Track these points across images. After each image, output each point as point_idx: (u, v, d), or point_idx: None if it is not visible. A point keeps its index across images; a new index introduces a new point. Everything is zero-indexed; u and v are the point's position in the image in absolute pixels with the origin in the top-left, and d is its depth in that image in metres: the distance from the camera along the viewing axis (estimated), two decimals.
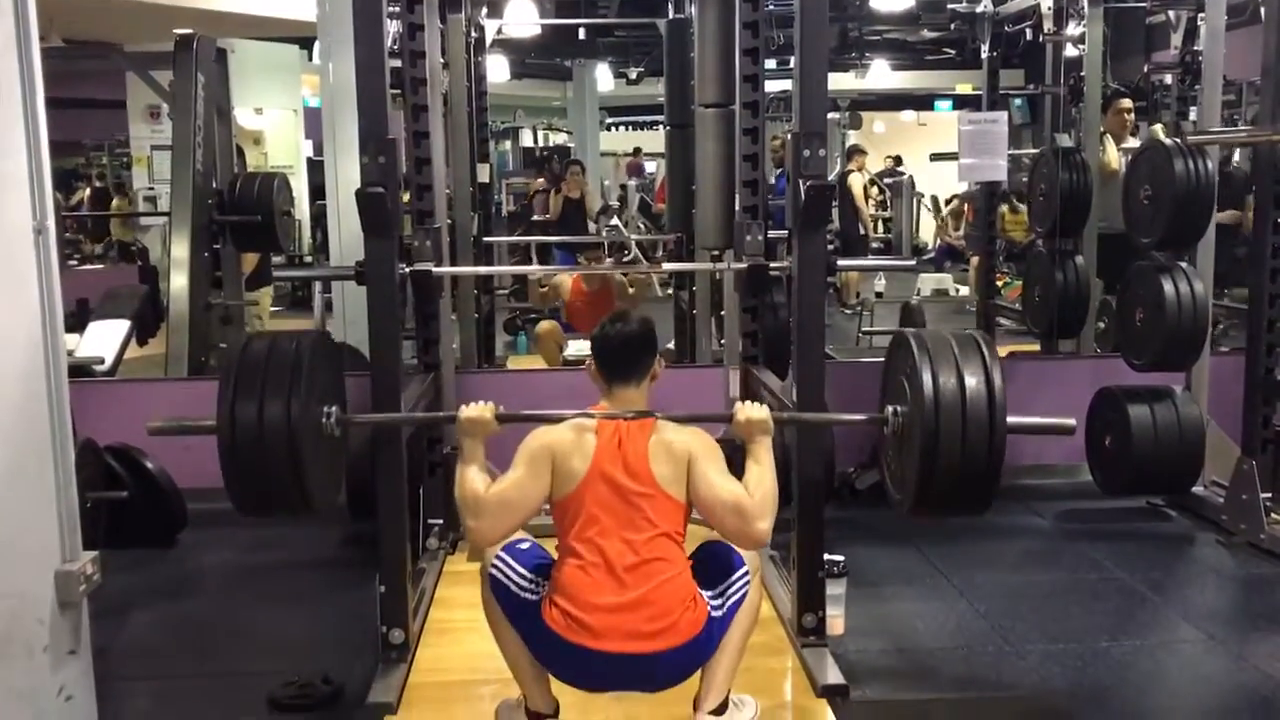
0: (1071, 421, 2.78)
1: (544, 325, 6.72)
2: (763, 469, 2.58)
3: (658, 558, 2.51)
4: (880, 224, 13.55)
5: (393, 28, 4.05)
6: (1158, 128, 6.61)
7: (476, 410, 2.64)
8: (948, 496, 2.69)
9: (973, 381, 2.60)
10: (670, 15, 6.10)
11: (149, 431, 2.83)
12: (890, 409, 2.80)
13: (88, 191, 12.54)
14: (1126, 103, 6.23)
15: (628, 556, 2.50)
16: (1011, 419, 2.63)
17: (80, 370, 4.90)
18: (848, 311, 9.68)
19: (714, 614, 2.57)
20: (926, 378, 2.61)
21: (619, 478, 2.53)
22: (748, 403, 2.72)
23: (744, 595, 2.62)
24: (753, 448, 2.63)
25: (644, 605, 2.48)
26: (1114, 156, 6.13)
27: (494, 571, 2.62)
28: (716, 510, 2.54)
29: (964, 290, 10.01)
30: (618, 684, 2.61)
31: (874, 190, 12.05)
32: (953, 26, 11.39)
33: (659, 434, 2.58)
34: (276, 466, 2.67)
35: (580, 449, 2.55)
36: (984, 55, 6.78)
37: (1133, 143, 6.27)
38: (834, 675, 3.01)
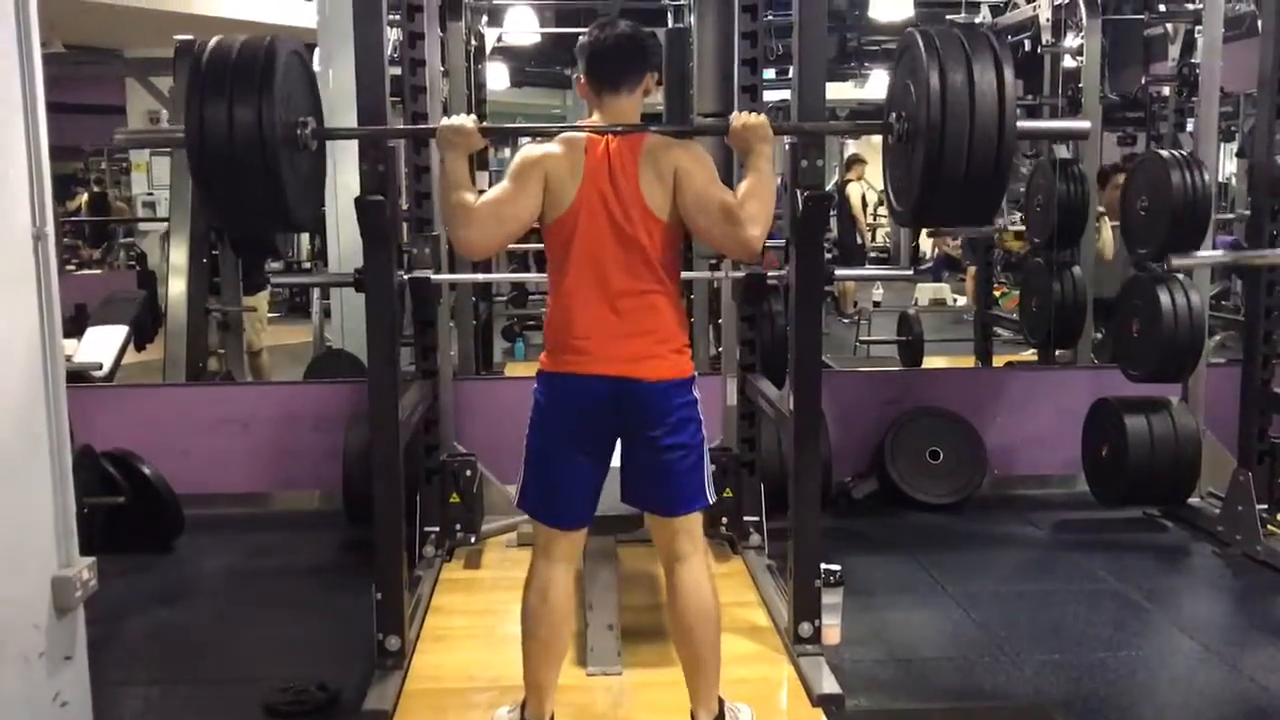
0: (1086, 125, 2.69)
1: None
2: (760, 178, 2.47)
3: (652, 289, 2.48)
4: (876, 233, 13.58)
5: (392, 35, 4.06)
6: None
7: (458, 120, 2.53)
8: (951, 202, 2.57)
9: (982, 80, 2.46)
10: (669, 25, 6.12)
11: (115, 141, 2.75)
12: (894, 113, 2.68)
13: (85, 197, 12.52)
14: (1124, 177, 6.08)
15: (621, 281, 2.46)
16: (1023, 123, 2.51)
17: (78, 376, 4.89)
18: (845, 321, 9.69)
19: (694, 392, 2.53)
20: (934, 78, 2.47)
21: (610, 199, 2.46)
22: (744, 111, 2.58)
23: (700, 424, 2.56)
24: (750, 158, 2.51)
25: (636, 336, 2.47)
26: (1109, 242, 6.07)
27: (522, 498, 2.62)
28: (706, 211, 2.45)
29: (961, 300, 10.02)
30: (607, 421, 2.52)
31: (872, 198, 12.07)
32: None
33: (649, 151, 2.48)
34: (251, 177, 2.52)
35: (571, 169, 2.47)
36: None
37: None
38: (830, 684, 3.01)
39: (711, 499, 2.61)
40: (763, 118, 2.54)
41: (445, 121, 2.54)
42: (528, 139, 2.63)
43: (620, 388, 2.48)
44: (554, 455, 2.56)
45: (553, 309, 2.56)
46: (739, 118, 2.55)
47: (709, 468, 2.59)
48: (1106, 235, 6.04)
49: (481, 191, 2.53)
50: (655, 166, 2.47)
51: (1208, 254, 4.30)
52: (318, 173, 2.92)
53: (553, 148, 2.51)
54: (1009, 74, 2.49)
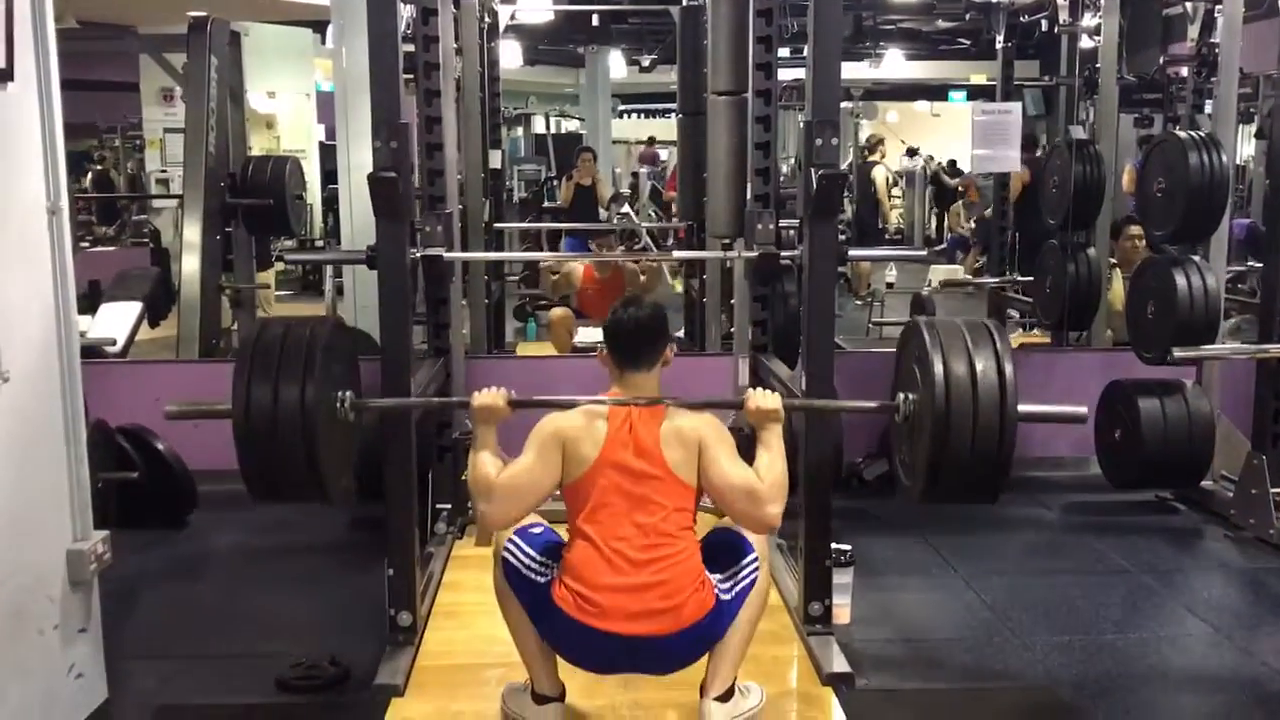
0: (1083, 410, 2.79)
1: (556, 312, 6.73)
2: (773, 455, 2.59)
3: (667, 540, 2.53)
4: (891, 214, 13.53)
5: (406, 12, 4.05)
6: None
7: (490, 397, 2.67)
8: (958, 484, 2.69)
9: (984, 369, 2.60)
10: (684, 2, 6.08)
11: (166, 416, 2.86)
12: (902, 396, 2.80)
13: (89, 176, 12.53)
14: (1136, 230, 5.91)
15: (638, 539, 2.52)
16: (1023, 407, 2.63)
17: (92, 351, 4.91)
18: (859, 303, 9.64)
19: (722, 597, 2.58)
20: (938, 365, 2.61)
21: (630, 461, 2.55)
22: (759, 390, 2.73)
23: (753, 580, 2.62)
24: (763, 434, 2.64)
25: (653, 587, 2.49)
26: (1119, 295, 6.00)
27: (506, 554, 2.64)
28: (728, 494, 2.56)
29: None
30: (625, 665, 2.63)
31: (887, 179, 12.02)
32: (967, 16, 11.36)
33: (670, 420, 2.60)
34: (291, 451, 2.69)
35: (591, 435, 2.57)
36: (998, 46, 6.75)
37: None
38: (840, 663, 3.02)
39: (746, 573, 2.63)
40: (776, 399, 2.67)
41: (478, 399, 2.68)
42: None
43: (642, 644, 2.52)
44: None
45: (570, 554, 2.58)
46: (753, 398, 2.68)
47: (730, 592, 2.59)
48: (1117, 288, 5.96)
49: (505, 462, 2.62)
50: (678, 434, 2.58)
51: (1214, 348, 4.27)
52: (351, 441, 3.02)
53: (574, 418, 2.62)
54: (1009, 363, 2.62)
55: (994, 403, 2.59)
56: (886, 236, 12.77)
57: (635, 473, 2.54)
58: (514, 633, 2.69)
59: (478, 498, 2.61)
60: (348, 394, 2.87)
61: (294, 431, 2.67)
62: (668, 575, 2.51)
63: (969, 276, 9.46)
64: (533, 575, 2.60)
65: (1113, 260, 6.05)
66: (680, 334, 6.40)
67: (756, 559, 2.65)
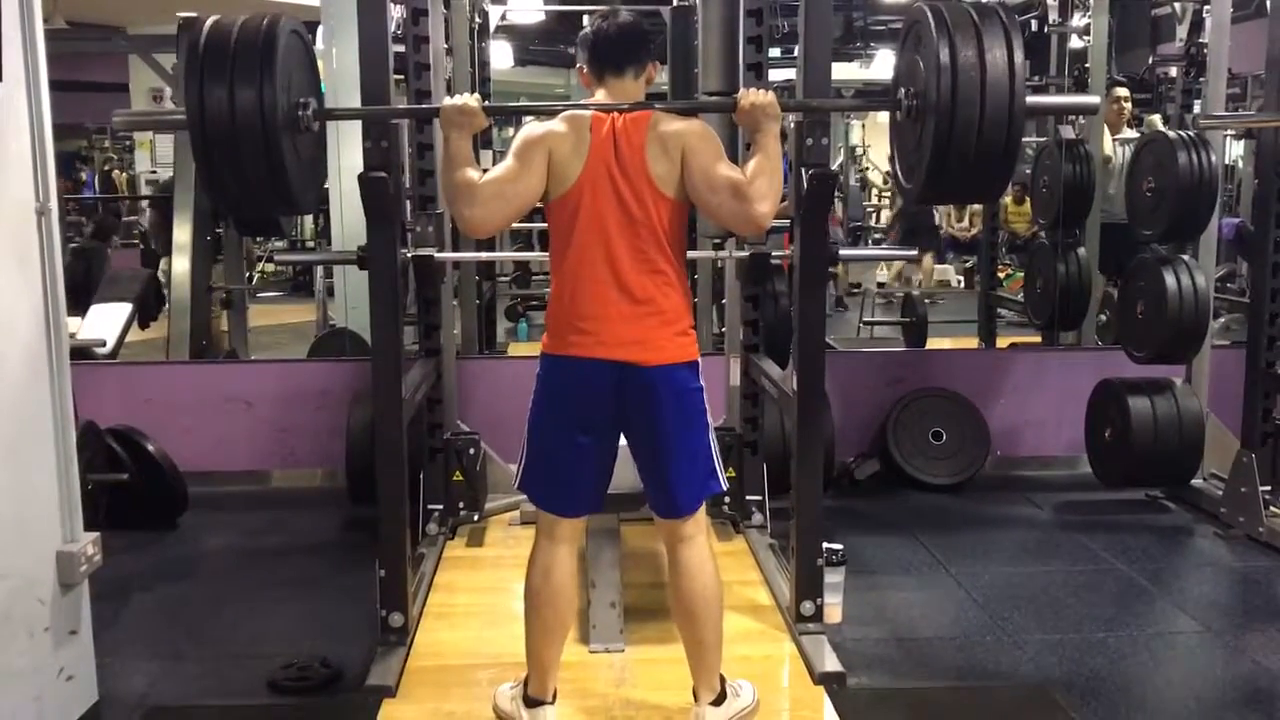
0: (1095, 99, 2.69)
1: None
2: (767, 157, 2.45)
3: (656, 270, 2.47)
4: (880, 214, 13.56)
5: (396, 12, 4.04)
6: (1155, 118, 6.58)
7: (461, 99, 2.49)
8: (961, 178, 2.55)
9: (992, 54, 2.44)
10: (675, 2, 6.08)
11: (114, 125, 2.74)
12: (903, 89, 2.67)
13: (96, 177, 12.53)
14: (1123, 91, 6.20)
15: (626, 261, 2.45)
16: (1032, 98, 2.51)
17: (82, 353, 4.90)
18: (840, 309, 9.58)
19: (699, 385, 2.52)
20: (943, 52, 2.45)
21: (616, 176, 2.44)
22: (752, 89, 2.55)
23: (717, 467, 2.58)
24: (758, 137, 2.49)
25: (642, 319, 2.46)
26: (1107, 145, 6.11)
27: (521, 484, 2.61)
28: (713, 194, 2.44)
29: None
30: (613, 402, 2.50)
31: (877, 179, 12.03)
32: None
33: (655, 127, 2.47)
34: (252, 159, 2.51)
35: (577, 145, 2.45)
36: None
37: (1129, 133, 6.26)
38: (831, 663, 3.02)
39: (723, 484, 2.60)
40: (770, 95, 2.52)
41: (449, 101, 2.51)
42: (531, 118, 2.61)
43: (623, 373, 2.46)
44: (557, 441, 2.55)
45: (555, 288, 2.54)
46: (746, 95, 2.52)
47: (716, 453, 2.59)
48: (1106, 142, 6.08)
49: (485, 170, 2.52)
50: (662, 143, 2.46)
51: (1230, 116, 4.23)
52: (319, 154, 2.90)
53: (557, 125, 2.50)
54: (1019, 49, 2.48)
55: (1002, 91, 2.43)
56: (875, 237, 12.81)
57: (621, 190, 2.44)
58: (533, 634, 2.63)
59: (459, 201, 2.43)
60: (310, 100, 2.70)
61: (255, 139, 2.48)
62: (655, 305, 2.46)
63: (959, 279, 9.49)
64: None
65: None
66: None
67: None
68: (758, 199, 2.40)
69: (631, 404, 2.50)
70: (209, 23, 2.59)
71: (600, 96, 2.56)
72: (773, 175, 2.43)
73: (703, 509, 2.63)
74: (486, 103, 2.54)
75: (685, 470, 2.55)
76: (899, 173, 2.85)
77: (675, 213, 2.49)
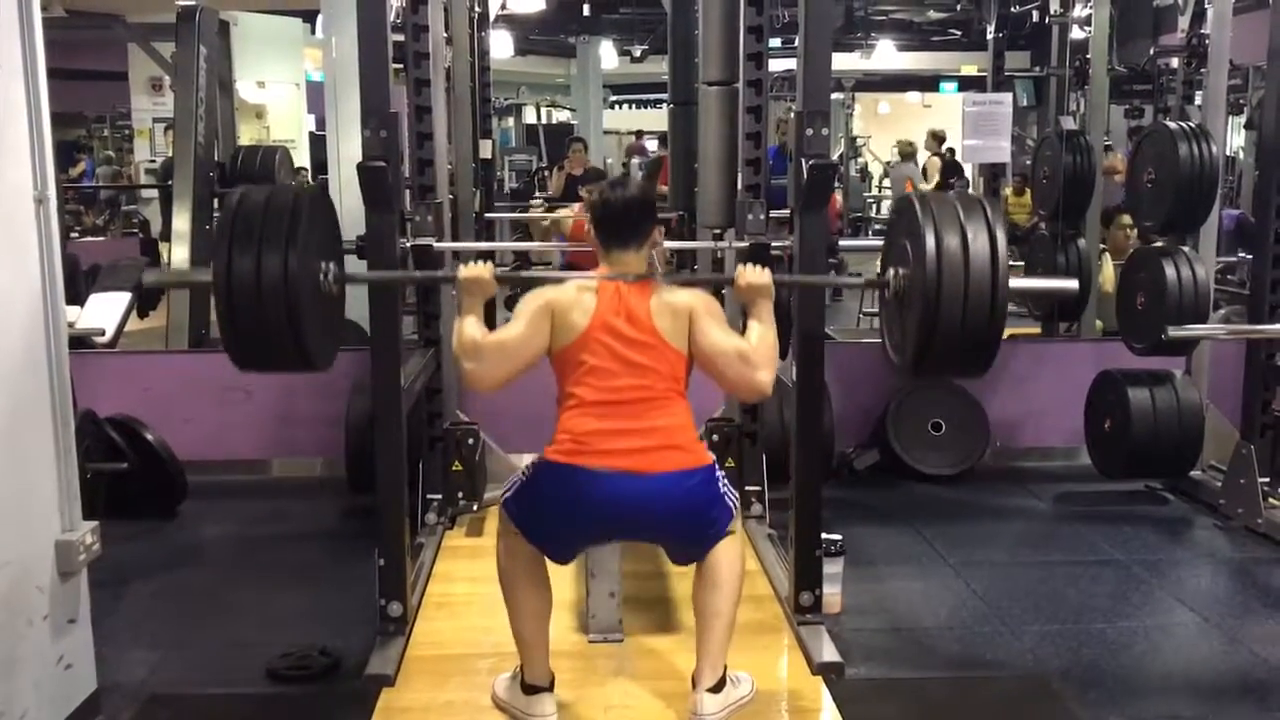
0: (1074, 283, 2.77)
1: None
2: (764, 326, 2.59)
3: (661, 397, 2.54)
4: (881, 205, 13.55)
5: (395, 1, 4.03)
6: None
7: (475, 269, 2.64)
8: (948, 356, 2.64)
9: (976, 242, 2.53)
10: None
11: (143, 284, 2.80)
12: (892, 270, 2.74)
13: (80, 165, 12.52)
14: (1127, 219, 6.04)
15: (631, 393, 2.52)
16: (1015, 281, 2.60)
17: (81, 342, 4.89)
18: (839, 299, 9.55)
19: (719, 479, 2.58)
20: (930, 238, 2.55)
21: (622, 327, 2.54)
22: (748, 266, 2.68)
23: (733, 503, 2.62)
24: (754, 309, 2.63)
25: (646, 432, 2.50)
26: (1110, 278, 6.04)
27: (503, 509, 2.64)
28: (719, 359, 2.55)
29: None
30: (611, 519, 2.55)
31: (877, 170, 12.02)
32: (959, 7, 11.36)
33: (660, 295, 2.59)
34: (274, 321, 2.60)
35: (581, 305, 2.56)
36: (989, 36, 6.75)
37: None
38: (830, 653, 3.02)
39: (734, 509, 2.63)
40: (766, 276, 2.64)
41: (464, 271, 2.64)
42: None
43: (633, 485, 2.49)
44: (550, 533, 2.61)
45: (560, 426, 2.57)
46: (743, 274, 2.65)
47: (728, 492, 2.61)
48: (1108, 271, 6.01)
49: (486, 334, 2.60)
50: (669, 304, 2.58)
51: (1206, 327, 4.27)
52: (337, 315, 2.97)
53: (564, 289, 2.61)
54: (1001, 238, 2.57)
55: (985, 275, 2.53)
56: (877, 229, 12.79)
57: (627, 337, 2.53)
58: (513, 615, 2.67)
59: (465, 358, 2.54)
60: (330, 265, 2.79)
61: (277, 302, 2.58)
62: (661, 423, 2.52)
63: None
64: (521, 479, 2.61)
65: (1103, 246, 6.07)
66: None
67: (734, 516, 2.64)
68: (760, 367, 2.54)
69: (640, 516, 2.55)
70: (239, 193, 2.72)
71: (603, 267, 2.66)
72: (771, 343, 2.59)
73: (739, 514, 2.68)
74: (500, 271, 2.69)
75: (702, 541, 2.61)
76: (888, 346, 2.92)
77: (679, 362, 2.59)
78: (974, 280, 2.53)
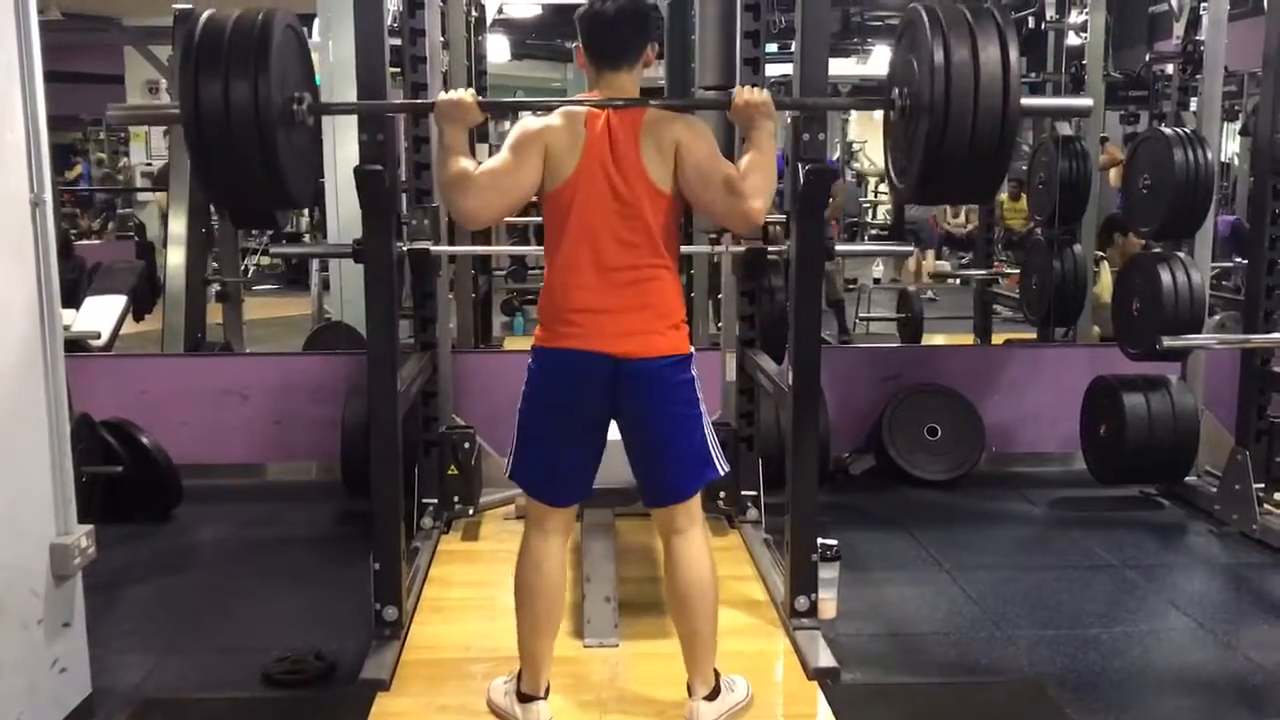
0: (1088, 101, 2.70)
1: None
2: (761, 154, 2.45)
3: (650, 262, 2.48)
4: (877, 210, 13.57)
5: (392, 5, 4.04)
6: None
7: (457, 94, 2.48)
8: (955, 173, 2.54)
9: (986, 55, 2.43)
10: None
11: (108, 119, 2.73)
12: (897, 89, 2.66)
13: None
14: (1131, 236, 6.07)
15: (619, 255, 2.46)
16: (1026, 100, 2.51)
17: (76, 345, 4.89)
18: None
19: (693, 370, 2.53)
20: (938, 52, 2.44)
21: (611, 173, 2.44)
22: (747, 86, 2.54)
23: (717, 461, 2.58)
24: (752, 134, 2.49)
25: (634, 308, 2.46)
26: (1107, 286, 6.06)
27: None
28: (706, 190, 2.45)
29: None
30: (596, 403, 2.51)
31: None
32: None
33: (649, 124, 2.47)
34: (247, 154, 2.49)
35: (571, 141, 2.45)
36: None
37: None
38: (825, 658, 3.02)
39: (720, 470, 2.60)
40: (765, 93, 2.51)
41: (444, 95, 2.51)
42: (527, 112, 2.61)
43: (614, 365, 2.46)
44: (548, 433, 2.55)
45: (548, 281, 2.55)
46: (741, 93, 2.50)
47: (713, 441, 2.59)
48: (1105, 280, 6.04)
49: (480, 163, 2.51)
50: (656, 139, 2.46)
51: (1200, 337, 4.26)
52: (314, 149, 2.88)
53: (552, 120, 2.50)
54: (1014, 50, 2.47)
55: (996, 91, 2.42)
56: (871, 233, 12.82)
57: (616, 184, 2.44)
58: (523, 628, 2.64)
59: (455, 192, 2.43)
60: (305, 94, 2.68)
61: (249, 134, 2.45)
62: (647, 299, 2.47)
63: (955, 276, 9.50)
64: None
65: (1100, 255, 6.08)
66: None
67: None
68: (752, 194, 2.41)
69: (623, 396, 2.50)
70: (203, 17, 2.57)
71: (595, 90, 2.55)
72: (767, 172, 2.44)
73: (698, 502, 2.63)
74: (481, 98, 2.53)
75: (677, 460, 2.56)
76: (892, 172, 2.85)
77: (669, 208, 2.49)
78: (984, 94, 2.42)
